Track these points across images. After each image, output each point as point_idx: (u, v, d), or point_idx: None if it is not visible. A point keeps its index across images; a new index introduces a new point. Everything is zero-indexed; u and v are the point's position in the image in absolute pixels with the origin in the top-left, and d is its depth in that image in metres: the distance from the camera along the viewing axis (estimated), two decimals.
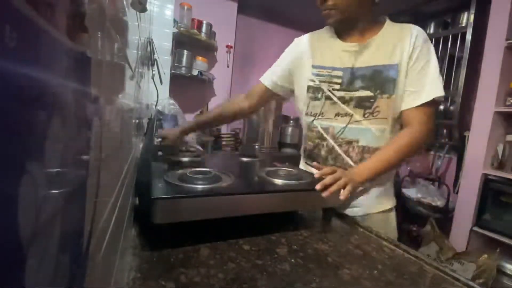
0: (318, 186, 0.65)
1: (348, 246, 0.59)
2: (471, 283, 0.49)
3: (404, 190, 2.17)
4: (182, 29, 2.08)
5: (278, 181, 0.67)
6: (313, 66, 0.85)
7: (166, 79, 1.87)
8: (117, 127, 0.34)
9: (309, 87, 0.86)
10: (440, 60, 2.19)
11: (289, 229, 0.63)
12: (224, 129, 2.63)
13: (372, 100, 0.78)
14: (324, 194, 0.64)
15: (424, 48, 0.75)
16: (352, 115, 0.80)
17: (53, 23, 0.13)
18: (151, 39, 1.22)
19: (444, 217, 1.97)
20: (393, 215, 0.90)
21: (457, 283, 0.50)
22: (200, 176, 0.60)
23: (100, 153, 0.24)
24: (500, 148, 1.77)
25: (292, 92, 0.95)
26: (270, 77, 0.96)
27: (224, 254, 0.50)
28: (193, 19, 2.20)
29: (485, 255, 1.57)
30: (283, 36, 2.91)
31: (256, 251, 0.52)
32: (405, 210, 2.12)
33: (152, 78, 1.41)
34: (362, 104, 0.79)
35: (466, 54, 1.99)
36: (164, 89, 1.78)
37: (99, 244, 0.23)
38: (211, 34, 2.34)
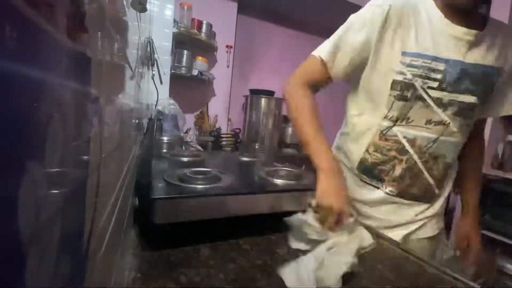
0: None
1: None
2: (471, 283, 0.49)
3: None
4: (182, 29, 2.08)
5: (278, 181, 0.67)
6: (404, 54, 0.62)
7: (166, 79, 1.87)
8: (117, 127, 0.34)
9: (395, 82, 0.63)
10: None
11: (289, 229, 0.63)
12: (224, 129, 2.63)
13: (475, 109, 0.64)
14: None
15: None
16: (448, 124, 0.63)
17: (53, 23, 0.13)
18: (151, 39, 1.22)
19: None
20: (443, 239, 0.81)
21: (457, 283, 0.50)
22: (200, 176, 0.60)
23: (100, 153, 0.24)
24: (500, 148, 1.77)
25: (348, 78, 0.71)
26: (341, 67, 0.68)
27: (224, 254, 0.50)
28: (193, 19, 2.20)
29: (485, 255, 1.57)
30: (283, 36, 2.91)
31: (256, 251, 0.52)
32: None
33: (152, 78, 1.41)
34: (464, 112, 0.63)
35: None
36: (164, 89, 1.78)
37: (99, 244, 0.23)
38: (211, 34, 2.33)
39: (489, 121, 1.74)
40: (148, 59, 1.15)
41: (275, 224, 0.64)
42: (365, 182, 0.73)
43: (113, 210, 0.31)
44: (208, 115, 2.47)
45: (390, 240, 0.63)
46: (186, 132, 2.11)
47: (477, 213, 0.73)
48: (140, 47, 0.71)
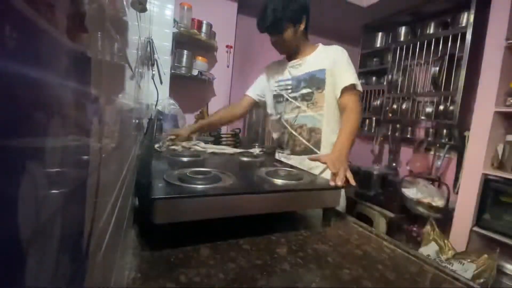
0: (333, 183, 0.74)
1: (348, 246, 0.59)
2: (471, 283, 0.49)
3: (404, 190, 2.16)
4: (182, 29, 2.08)
5: (278, 181, 0.67)
6: (276, 81, 1.24)
7: (166, 79, 1.87)
8: (117, 127, 0.34)
9: (274, 96, 1.24)
10: (440, 60, 2.19)
11: (289, 229, 0.63)
12: (224, 129, 2.63)
13: (311, 95, 1.12)
14: (340, 184, 0.75)
15: (342, 58, 1.10)
16: (300, 107, 1.15)
17: (53, 23, 0.13)
18: (151, 39, 1.22)
19: (444, 217, 1.97)
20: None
21: (457, 283, 0.50)
22: (200, 176, 0.60)
23: (100, 153, 0.24)
24: (500, 148, 1.77)
25: (264, 101, 1.34)
26: (254, 92, 1.35)
27: (224, 254, 0.50)
28: (193, 19, 2.19)
29: (485, 255, 1.57)
30: None
31: (256, 251, 0.52)
32: (405, 210, 2.12)
33: (152, 78, 1.41)
34: (306, 98, 1.14)
35: (466, 54, 1.99)
36: (164, 89, 1.77)
37: (99, 244, 0.24)
38: (211, 34, 2.33)
39: (489, 121, 1.74)
40: (148, 59, 1.15)
41: (275, 224, 0.64)
42: (280, 152, 1.28)
43: (113, 210, 0.31)
44: (208, 115, 2.47)
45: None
46: None
47: (339, 150, 0.94)
48: (140, 47, 0.71)
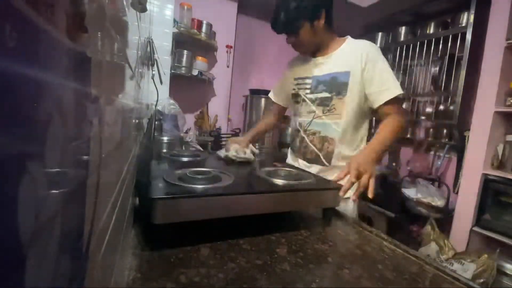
0: (342, 193, 0.71)
1: (348, 246, 0.59)
2: (471, 283, 0.49)
3: (404, 190, 2.16)
4: (182, 29, 2.08)
5: (278, 181, 0.67)
6: (294, 79, 1.15)
7: (166, 79, 1.87)
8: (117, 127, 0.34)
9: (292, 95, 1.16)
10: (440, 60, 2.19)
11: (289, 229, 0.63)
12: (224, 129, 2.63)
13: (329, 100, 1.02)
14: (352, 198, 0.76)
15: (376, 59, 0.96)
16: (315, 112, 1.06)
17: (53, 23, 0.13)
18: (151, 39, 1.22)
19: (444, 217, 1.97)
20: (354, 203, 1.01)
21: (457, 283, 0.50)
22: (200, 176, 0.60)
23: (100, 153, 0.24)
24: (500, 148, 1.77)
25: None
26: (277, 98, 1.28)
27: (224, 254, 0.50)
28: (193, 19, 2.20)
29: (485, 255, 1.57)
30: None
31: (256, 251, 0.52)
32: (405, 210, 2.12)
33: (152, 78, 1.40)
34: (323, 103, 1.03)
35: (466, 54, 1.99)
36: (164, 89, 1.77)
37: (99, 244, 0.23)
38: (211, 34, 2.33)
39: (489, 121, 1.74)
40: (148, 59, 1.15)
41: (275, 224, 0.64)
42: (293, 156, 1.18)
43: (113, 210, 0.31)
44: (208, 115, 2.48)
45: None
46: (186, 132, 2.11)
47: (366, 153, 0.87)
48: (140, 47, 0.71)
